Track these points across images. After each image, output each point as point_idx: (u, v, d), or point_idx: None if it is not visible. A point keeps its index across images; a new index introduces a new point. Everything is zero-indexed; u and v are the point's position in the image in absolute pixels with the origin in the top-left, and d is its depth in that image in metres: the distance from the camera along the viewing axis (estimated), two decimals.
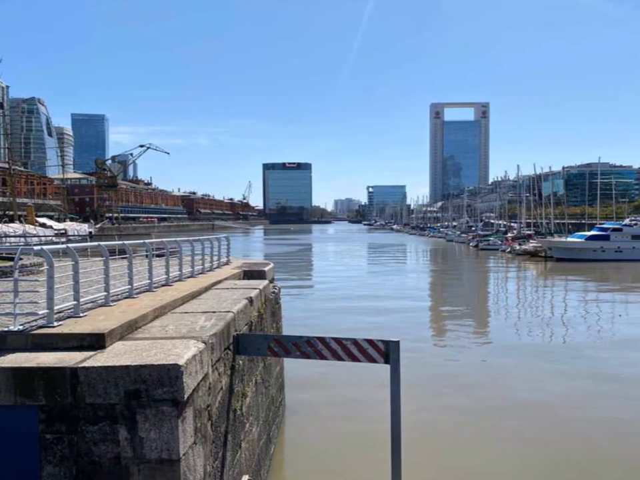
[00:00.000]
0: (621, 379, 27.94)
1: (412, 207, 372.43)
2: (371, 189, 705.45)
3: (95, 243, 14.85)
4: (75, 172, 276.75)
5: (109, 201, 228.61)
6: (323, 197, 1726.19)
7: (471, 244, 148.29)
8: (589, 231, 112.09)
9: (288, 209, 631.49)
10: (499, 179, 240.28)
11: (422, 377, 27.06)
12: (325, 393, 25.27)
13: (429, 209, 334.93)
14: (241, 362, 13.92)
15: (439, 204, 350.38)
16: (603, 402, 24.78)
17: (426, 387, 25.95)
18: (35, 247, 11.55)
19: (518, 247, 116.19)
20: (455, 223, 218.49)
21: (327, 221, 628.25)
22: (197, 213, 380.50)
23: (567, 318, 45.09)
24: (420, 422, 20.92)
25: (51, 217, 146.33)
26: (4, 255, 22.16)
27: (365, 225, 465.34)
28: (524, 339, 37.18)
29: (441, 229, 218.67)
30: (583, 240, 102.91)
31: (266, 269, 22.80)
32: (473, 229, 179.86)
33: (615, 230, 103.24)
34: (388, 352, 12.62)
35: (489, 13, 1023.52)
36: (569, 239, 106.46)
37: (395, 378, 12.56)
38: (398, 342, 12.64)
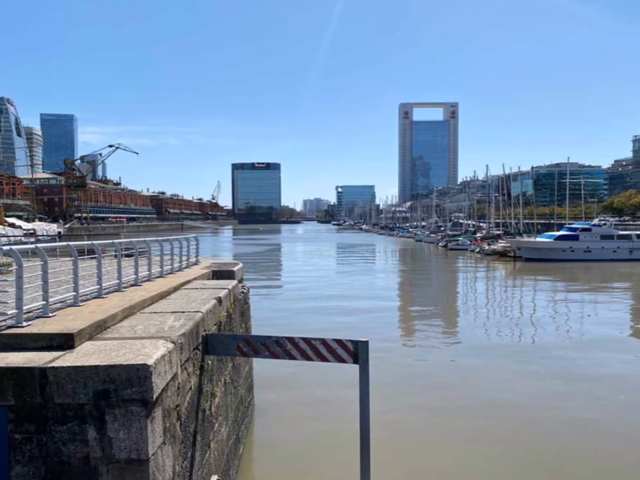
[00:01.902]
0: (589, 378, 28.13)
1: (381, 207, 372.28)
2: (340, 189, 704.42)
3: (64, 243, 14.77)
4: (43, 172, 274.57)
5: (77, 201, 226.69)
6: (292, 197, 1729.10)
7: (440, 244, 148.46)
8: (557, 231, 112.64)
9: (257, 209, 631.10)
10: (468, 179, 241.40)
11: (391, 377, 27.04)
12: (293, 393, 25.28)
13: (397, 208, 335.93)
14: (209, 362, 13.91)
15: (408, 204, 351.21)
16: (572, 402, 24.91)
17: (395, 387, 25.95)
18: (4, 247, 11.51)
19: (487, 247, 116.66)
20: (423, 223, 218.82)
21: (295, 221, 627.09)
22: (165, 213, 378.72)
23: (535, 318, 45.35)
24: (389, 422, 20.95)
25: (19, 217, 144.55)
26: None
27: (334, 225, 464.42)
28: (493, 339, 37.37)
29: (410, 229, 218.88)
30: (551, 240, 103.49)
31: (235, 268, 22.79)
32: (442, 228, 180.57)
33: (583, 230, 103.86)
34: (357, 352, 12.65)
35: (459, 13, 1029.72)
36: (538, 239, 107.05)
37: (363, 378, 12.60)
38: (367, 342, 12.69)
